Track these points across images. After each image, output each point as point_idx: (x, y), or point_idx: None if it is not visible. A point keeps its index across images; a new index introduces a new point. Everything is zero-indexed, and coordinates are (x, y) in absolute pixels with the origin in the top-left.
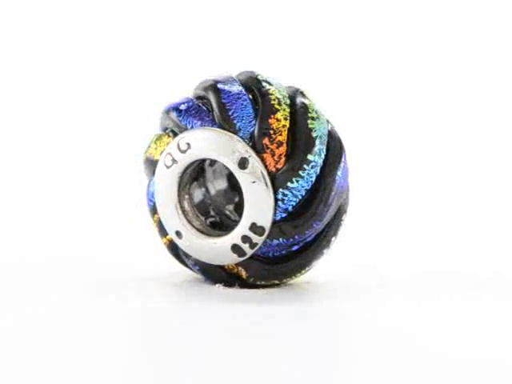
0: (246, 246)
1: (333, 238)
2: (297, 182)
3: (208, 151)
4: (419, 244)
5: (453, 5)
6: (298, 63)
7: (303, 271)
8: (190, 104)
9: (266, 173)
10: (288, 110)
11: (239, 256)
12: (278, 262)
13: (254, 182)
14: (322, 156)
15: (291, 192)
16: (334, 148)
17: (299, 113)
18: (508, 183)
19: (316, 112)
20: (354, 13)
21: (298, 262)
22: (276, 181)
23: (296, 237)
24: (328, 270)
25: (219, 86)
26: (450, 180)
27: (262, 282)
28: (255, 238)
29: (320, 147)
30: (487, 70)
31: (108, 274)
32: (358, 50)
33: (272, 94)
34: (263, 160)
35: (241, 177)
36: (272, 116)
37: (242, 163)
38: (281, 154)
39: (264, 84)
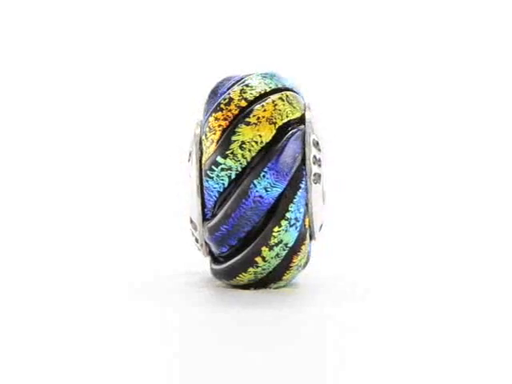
0: (194, 239)
1: (263, 248)
2: (207, 182)
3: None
4: (406, 249)
5: (449, 5)
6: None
7: (241, 275)
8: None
9: (196, 169)
10: (236, 111)
11: (199, 249)
12: (218, 261)
13: (190, 177)
14: (242, 162)
15: (207, 192)
16: (264, 158)
17: (241, 115)
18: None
19: (259, 119)
20: (353, 13)
21: (231, 264)
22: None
23: (209, 237)
24: (318, 275)
25: (218, 84)
26: (434, 188)
27: (218, 280)
28: (194, 233)
29: (237, 152)
30: (482, 70)
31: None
32: (356, 50)
33: (228, 94)
34: (201, 156)
35: (188, 170)
36: (213, 114)
37: (188, 156)
38: (209, 153)
39: (237, 83)
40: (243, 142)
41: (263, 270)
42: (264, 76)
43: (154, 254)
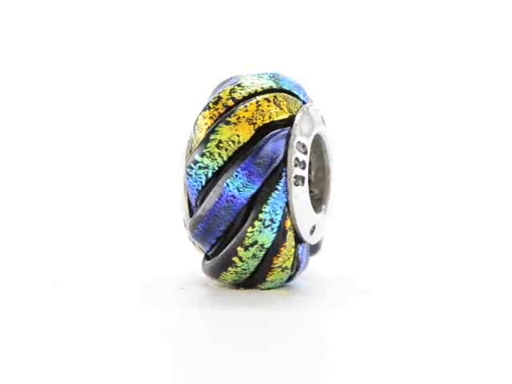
0: (187, 237)
1: (239, 248)
2: (187, 179)
3: None
4: (403, 251)
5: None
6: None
7: (223, 275)
8: None
9: (184, 166)
10: (222, 110)
11: (194, 247)
12: (208, 259)
13: (179, 174)
14: (219, 161)
15: (189, 189)
16: (238, 157)
17: (224, 115)
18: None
19: (239, 119)
20: (354, 12)
21: (214, 263)
22: None
23: (190, 234)
24: (313, 275)
25: (220, 83)
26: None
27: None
28: (185, 231)
29: (214, 151)
30: (485, 69)
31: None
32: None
33: (220, 92)
34: (190, 153)
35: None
36: (202, 112)
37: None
38: (193, 151)
39: (229, 82)
40: (220, 141)
41: (243, 270)
42: (261, 76)
43: (154, 253)
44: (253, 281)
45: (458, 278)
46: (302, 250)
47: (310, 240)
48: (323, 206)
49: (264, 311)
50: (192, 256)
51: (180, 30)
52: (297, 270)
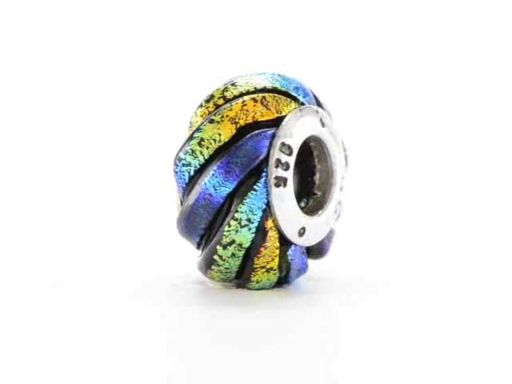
0: None
1: (218, 247)
2: (174, 176)
3: None
4: (412, 249)
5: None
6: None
7: (209, 272)
8: None
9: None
10: (212, 109)
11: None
12: (200, 255)
13: None
14: (200, 159)
15: (177, 185)
16: (217, 155)
17: (212, 113)
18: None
19: (223, 117)
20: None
21: (200, 260)
22: None
23: (177, 230)
24: (313, 275)
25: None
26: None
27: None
28: None
29: (196, 148)
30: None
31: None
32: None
33: (214, 91)
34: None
35: None
36: (195, 110)
37: None
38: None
39: (226, 82)
40: (202, 139)
41: (226, 269)
42: (259, 76)
43: (153, 253)
44: (241, 281)
45: (457, 279)
46: (294, 251)
47: (301, 242)
48: (320, 211)
49: (264, 311)
50: (191, 256)
51: (190, 30)
52: (287, 271)
